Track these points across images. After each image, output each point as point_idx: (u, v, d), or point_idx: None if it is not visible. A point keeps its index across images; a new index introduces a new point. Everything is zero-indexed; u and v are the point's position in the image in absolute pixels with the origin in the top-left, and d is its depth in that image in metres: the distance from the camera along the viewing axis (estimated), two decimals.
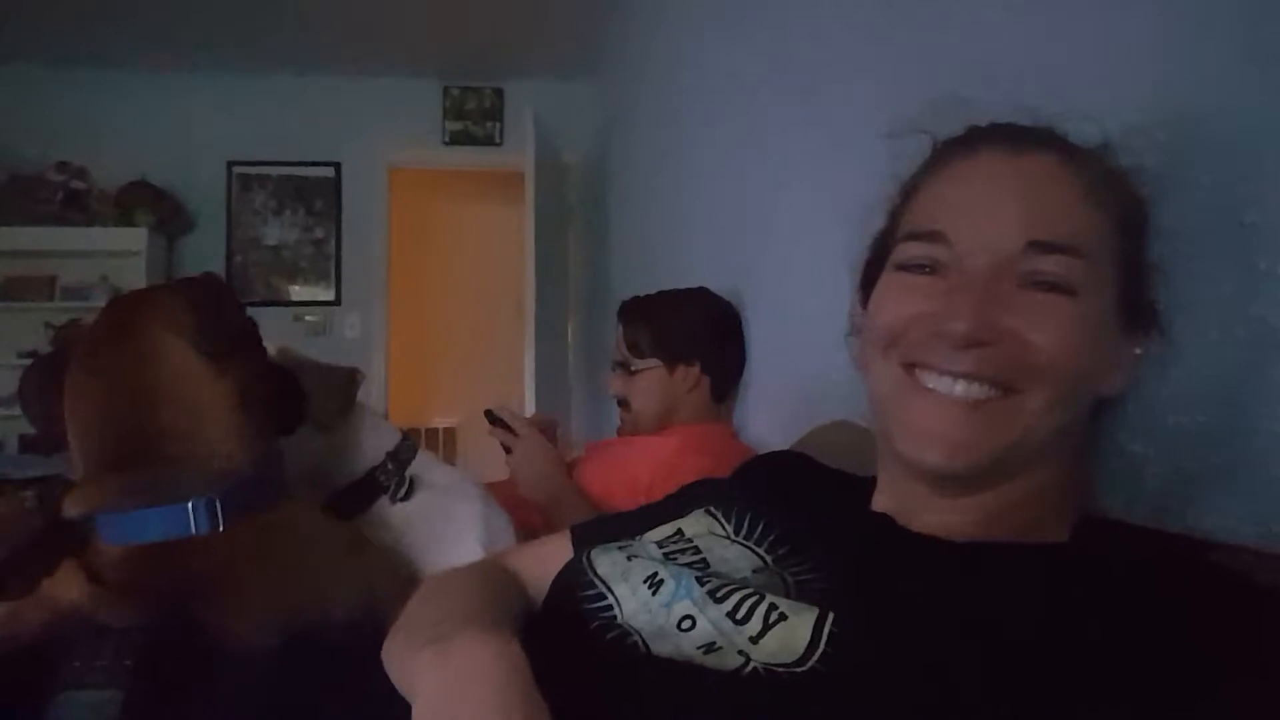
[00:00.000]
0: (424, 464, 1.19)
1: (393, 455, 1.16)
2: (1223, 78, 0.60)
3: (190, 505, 0.78)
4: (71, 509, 0.80)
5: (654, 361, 1.63)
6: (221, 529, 0.79)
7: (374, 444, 1.16)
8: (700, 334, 1.65)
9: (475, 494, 1.20)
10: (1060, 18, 0.78)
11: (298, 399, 1.06)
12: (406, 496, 1.13)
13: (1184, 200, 0.61)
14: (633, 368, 1.65)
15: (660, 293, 1.74)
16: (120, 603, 0.76)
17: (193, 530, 0.78)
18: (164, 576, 0.78)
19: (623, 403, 1.69)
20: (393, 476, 1.14)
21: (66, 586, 0.77)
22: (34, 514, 1.02)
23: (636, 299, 1.73)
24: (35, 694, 0.63)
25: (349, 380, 1.14)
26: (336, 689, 0.60)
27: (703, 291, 1.71)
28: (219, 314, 0.91)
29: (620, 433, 1.75)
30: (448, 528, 1.10)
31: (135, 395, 0.84)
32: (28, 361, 4.08)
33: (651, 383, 1.64)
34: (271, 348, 1.12)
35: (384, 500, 1.12)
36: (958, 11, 0.95)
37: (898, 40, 1.09)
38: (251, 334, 0.96)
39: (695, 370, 1.63)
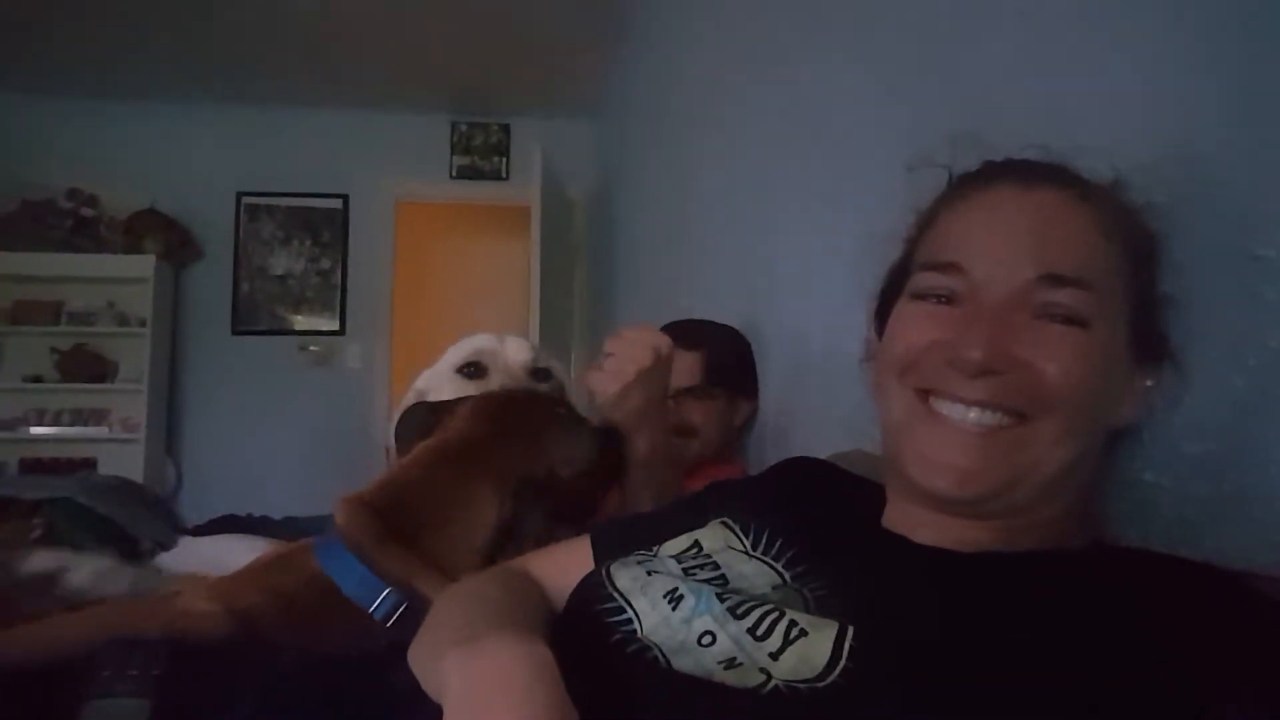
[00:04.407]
0: None
1: None
2: (1226, 115, 0.62)
3: (387, 593, 0.86)
4: (338, 512, 0.90)
5: (720, 391, 1.59)
6: (387, 625, 0.85)
7: None
8: (753, 369, 1.65)
9: None
10: (1064, 59, 0.80)
11: None
12: None
13: (1194, 235, 0.63)
14: (712, 395, 1.58)
15: (709, 321, 1.69)
16: (229, 629, 0.81)
17: (370, 611, 0.85)
18: (290, 630, 0.84)
19: (685, 430, 1.57)
20: None
21: (196, 603, 0.84)
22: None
23: (703, 323, 1.68)
24: (66, 701, 0.63)
25: None
26: (354, 702, 0.60)
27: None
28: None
29: None
30: None
31: (442, 496, 0.94)
32: (33, 385, 4.08)
33: (718, 412, 1.59)
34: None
35: None
36: (965, 55, 0.97)
37: (906, 81, 1.12)
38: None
39: (754, 405, 1.63)
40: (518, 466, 0.97)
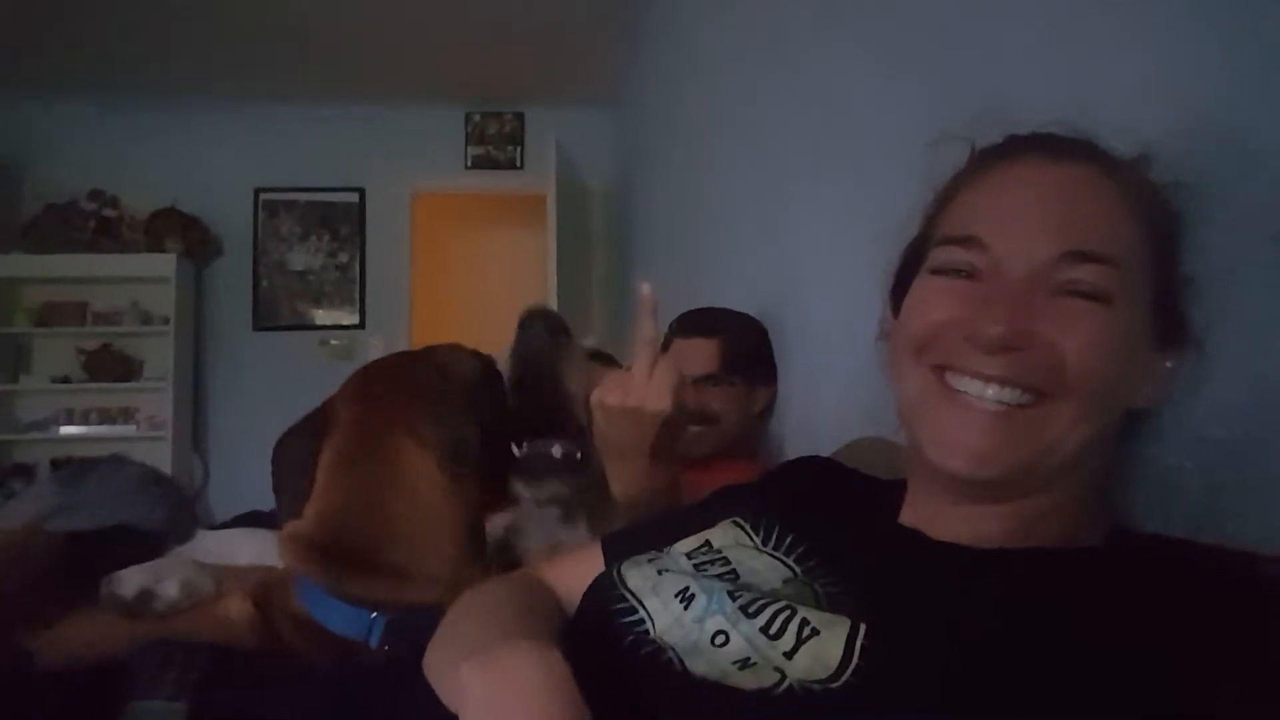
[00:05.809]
0: None
1: None
2: (1254, 93, 0.61)
3: (374, 618, 0.81)
4: (285, 554, 0.84)
5: (738, 378, 1.59)
6: (386, 649, 0.81)
7: None
8: (770, 356, 1.64)
9: None
10: (1088, 36, 0.79)
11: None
12: None
13: (1220, 215, 0.61)
14: (732, 383, 1.58)
15: (725, 309, 1.68)
16: (263, 638, 0.81)
17: (366, 641, 0.81)
18: (314, 646, 0.82)
19: (705, 418, 1.56)
20: None
21: (237, 610, 0.83)
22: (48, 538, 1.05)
23: (719, 310, 1.67)
24: (106, 703, 0.65)
25: None
26: (385, 711, 0.61)
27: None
28: (466, 432, 0.92)
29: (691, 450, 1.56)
30: None
31: (376, 499, 0.86)
32: (61, 386, 4.09)
33: (736, 399, 1.58)
34: None
35: None
36: (984, 36, 0.96)
37: (922, 66, 1.10)
38: (500, 425, 0.96)
39: (772, 392, 1.62)
40: (421, 423, 0.89)
